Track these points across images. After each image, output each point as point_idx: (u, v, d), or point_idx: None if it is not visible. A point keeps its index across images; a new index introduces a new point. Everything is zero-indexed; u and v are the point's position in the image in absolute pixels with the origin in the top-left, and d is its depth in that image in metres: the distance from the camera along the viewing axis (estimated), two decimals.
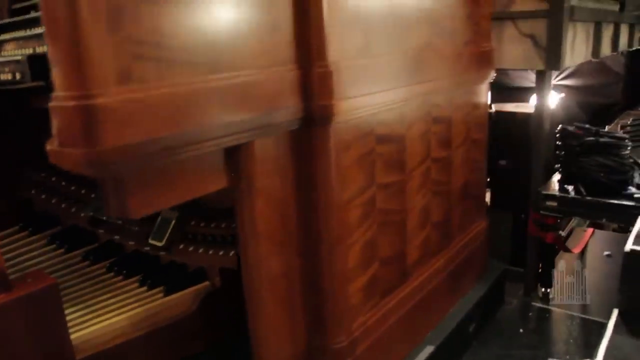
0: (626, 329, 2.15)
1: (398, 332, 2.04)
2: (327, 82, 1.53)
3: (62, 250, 2.61)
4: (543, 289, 2.88)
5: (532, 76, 5.43)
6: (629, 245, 2.15)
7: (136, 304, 2.15)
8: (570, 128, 2.68)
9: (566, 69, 5.16)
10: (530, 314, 2.74)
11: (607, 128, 3.84)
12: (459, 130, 2.32)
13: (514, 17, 2.62)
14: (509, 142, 2.93)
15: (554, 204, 2.70)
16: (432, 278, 2.25)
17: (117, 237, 2.70)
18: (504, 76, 5.55)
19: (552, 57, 2.54)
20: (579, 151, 2.65)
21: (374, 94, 1.68)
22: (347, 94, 1.58)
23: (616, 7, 3.51)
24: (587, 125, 2.69)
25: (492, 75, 2.54)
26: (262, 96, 1.39)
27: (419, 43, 1.93)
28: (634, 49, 4.17)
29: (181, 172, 1.34)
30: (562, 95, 5.27)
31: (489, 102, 2.60)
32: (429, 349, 2.16)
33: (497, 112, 3.07)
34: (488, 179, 3.03)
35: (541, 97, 2.70)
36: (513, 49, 2.66)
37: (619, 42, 3.57)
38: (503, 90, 5.60)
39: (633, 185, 2.58)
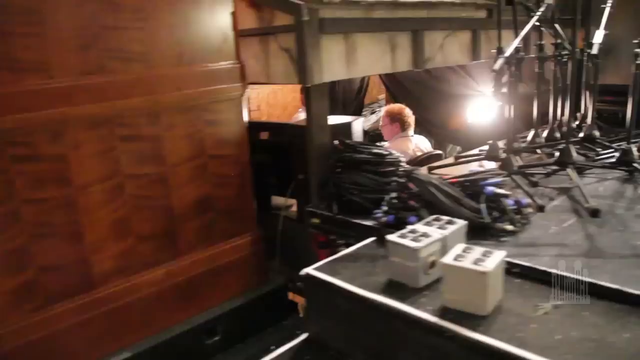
0: (294, 355, 2.12)
1: (82, 335, 2.19)
2: None
3: None
4: None
5: (473, 83, 5.15)
6: (306, 269, 2.12)
7: None
8: (336, 142, 2.61)
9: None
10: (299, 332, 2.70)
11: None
12: (177, 147, 2.39)
13: (274, 32, 2.61)
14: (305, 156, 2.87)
15: (317, 221, 2.65)
16: (144, 288, 2.36)
17: None
18: (444, 84, 5.28)
19: (302, 71, 2.50)
20: (339, 167, 2.58)
21: None
22: None
23: (480, 14, 3.27)
24: (348, 140, 2.59)
25: (243, 92, 2.56)
26: None
27: (78, 64, 2.07)
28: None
29: None
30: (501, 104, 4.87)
31: (245, 117, 2.61)
32: (125, 355, 2.28)
33: (292, 125, 3.03)
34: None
35: (310, 111, 2.65)
36: (276, 64, 2.65)
37: (480, 49, 3.31)
38: (445, 98, 5.34)
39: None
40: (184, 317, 2.49)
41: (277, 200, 3.33)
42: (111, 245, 2.27)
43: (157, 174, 2.36)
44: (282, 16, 2.55)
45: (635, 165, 2.68)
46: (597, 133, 3.08)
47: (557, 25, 3.35)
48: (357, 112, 6.17)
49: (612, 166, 2.78)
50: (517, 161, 3.17)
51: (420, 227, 1.98)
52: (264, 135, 3.43)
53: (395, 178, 2.36)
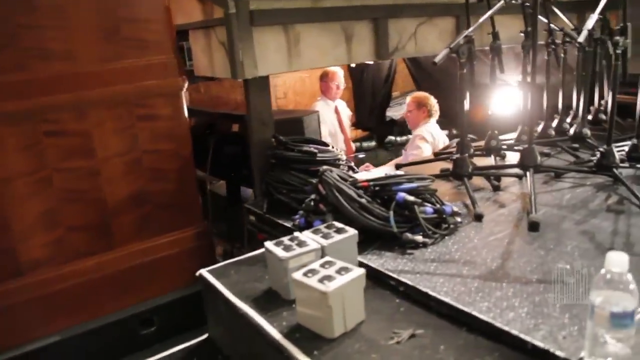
0: (186, 355, 2.10)
1: (7, 319, 2.32)
2: None
3: None
4: None
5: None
6: (202, 270, 2.08)
7: None
8: (273, 139, 2.51)
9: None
10: None
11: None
12: (107, 143, 2.43)
13: (212, 25, 2.55)
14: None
15: (253, 218, 2.58)
16: (75, 277, 2.45)
17: None
18: None
19: (233, 65, 2.41)
20: (272, 164, 2.48)
21: None
22: None
23: None
24: (282, 137, 2.48)
25: (182, 86, 2.54)
26: None
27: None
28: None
29: None
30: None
31: (185, 112, 2.58)
32: (53, 339, 2.40)
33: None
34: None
35: (249, 105, 2.57)
36: (217, 57, 2.59)
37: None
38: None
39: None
40: (118, 307, 2.56)
41: (246, 192, 3.31)
42: (40, 235, 2.37)
43: (86, 168, 2.42)
44: (218, 9, 2.47)
45: (614, 170, 2.30)
46: (587, 132, 2.68)
47: (556, 10, 2.95)
48: (386, 100, 5.93)
49: (590, 171, 2.40)
50: (495, 161, 2.88)
51: (305, 234, 1.85)
52: (236, 127, 3.41)
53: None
